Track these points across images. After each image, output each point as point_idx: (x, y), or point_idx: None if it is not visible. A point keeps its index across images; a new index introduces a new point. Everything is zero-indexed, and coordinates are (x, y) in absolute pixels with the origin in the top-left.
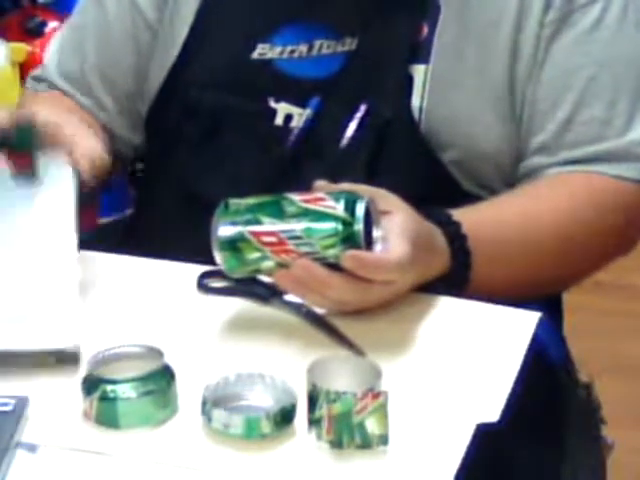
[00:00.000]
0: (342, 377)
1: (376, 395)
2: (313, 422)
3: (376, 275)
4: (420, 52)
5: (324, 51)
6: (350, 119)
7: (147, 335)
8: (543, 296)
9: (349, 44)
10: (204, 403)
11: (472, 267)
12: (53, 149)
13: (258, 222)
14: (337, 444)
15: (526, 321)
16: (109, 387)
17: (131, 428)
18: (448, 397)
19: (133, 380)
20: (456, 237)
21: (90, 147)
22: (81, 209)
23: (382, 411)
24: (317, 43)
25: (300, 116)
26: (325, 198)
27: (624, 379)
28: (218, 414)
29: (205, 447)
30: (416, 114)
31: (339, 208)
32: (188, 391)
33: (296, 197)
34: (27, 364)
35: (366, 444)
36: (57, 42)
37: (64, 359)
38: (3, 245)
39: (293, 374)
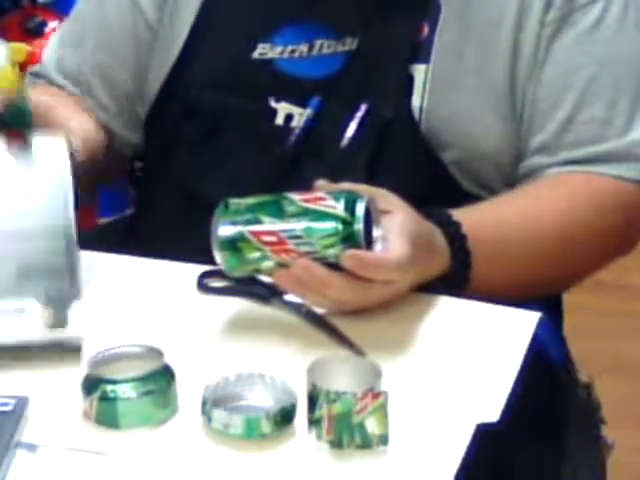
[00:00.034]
0: (342, 377)
1: (376, 395)
2: (313, 422)
3: (376, 275)
4: (420, 52)
5: (325, 51)
6: (350, 119)
7: (147, 335)
8: (543, 296)
9: (350, 44)
10: (204, 403)
11: (472, 267)
12: (46, 128)
13: (258, 222)
14: (337, 444)
15: (526, 321)
16: (109, 387)
17: (131, 428)
18: (448, 397)
19: (133, 380)
20: (456, 237)
21: (83, 126)
22: (81, 208)
23: (382, 411)
24: (318, 43)
25: (300, 116)
26: (325, 198)
27: (624, 379)
28: (218, 414)
29: (205, 447)
30: (416, 114)
31: (339, 208)
32: (188, 391)
33: (296, 197)
34: (28, 358)
35: (366, 444)
36: (57, 39)
37: (66, 351)
38: None
39: (293, 374)
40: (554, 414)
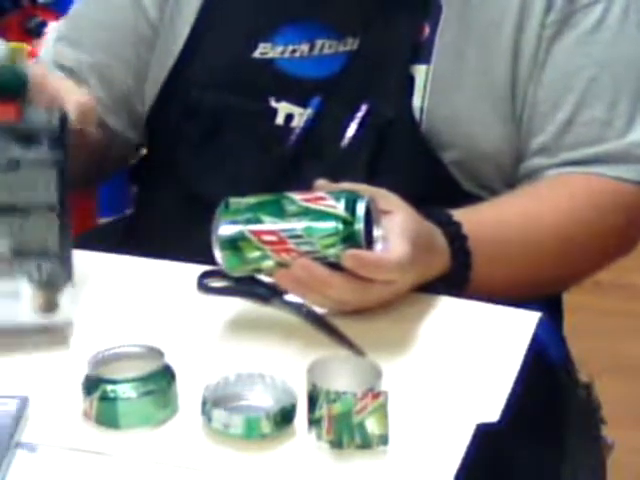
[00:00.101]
0: (342, 377)
1: (376, 395)
2: (313, 422)
3: (376, 275)
4: (421, 52)
5: (325, 51)
6: (351, 119)
7: (147, 335)
8: (543, 296)
9: (350, 44)
10: (204, 403)
11: (472, 267)
12: (40, 98)
13: (259, 221)
14: (337, 444)
15: (526, 321)
16: (109, 387)
17: (131, 428)
18: (448, 397)
19: (133, 380)
20: (456, 237)
21: (77, 96)
22: (81, 207)
23: (382, 411)
24: (318, 43)
25: (301, 116)
26: (326, 197)
27: (624, 379)
28: (218, 414)
29: (205, 447)
30: (417, 114)
31: (340, 207)
32: (188, 391)
33: (297, 196)
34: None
35: (366, 444)
36: (54, 36)
37: (55, 335)
38: None
39: (293, 374)
40: (554, 414)
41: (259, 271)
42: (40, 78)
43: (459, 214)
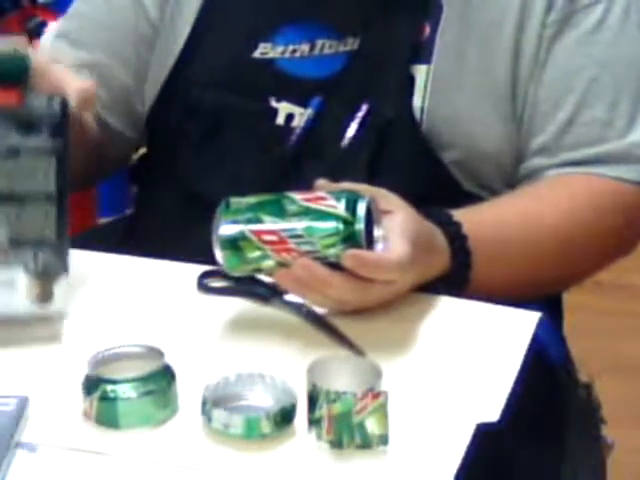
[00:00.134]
0: (342, 377)
1: (376, 395)
2: (313, 422)
3: (377, 275)
4: (422, 52)
5: (326, 51)
6: (351, 119)
7: (147, 335)
8: (543, 296)
9: (351, 44)
10: (204, 403)
11: (472, 267)
12: (41, 84)
13: (259, 221)
14: (337, 444)
15: (526, 321)
16: (109, 387)
17: (131, 428)
18: (448, 397)
19: (133, 380)
20: (456, 237)
21: (78, 82)
22: (80, 208)
23: (382, 411)
24: (319, 43)
25: (301, 116)
26: (326, 197)
27: (624, 379)
28: (218, 414)
29: (205, 447)
30: (417, 114)
31: (340, 207)
32: (188, 391)
33: (297, 196)
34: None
35: (366, 444)
36: (52, 34)
37: (50, 325)
38: None
39: (293, 374)
40: (554, 414)
41: (259, 271)
42: (42, 65)
43: (459, 214)
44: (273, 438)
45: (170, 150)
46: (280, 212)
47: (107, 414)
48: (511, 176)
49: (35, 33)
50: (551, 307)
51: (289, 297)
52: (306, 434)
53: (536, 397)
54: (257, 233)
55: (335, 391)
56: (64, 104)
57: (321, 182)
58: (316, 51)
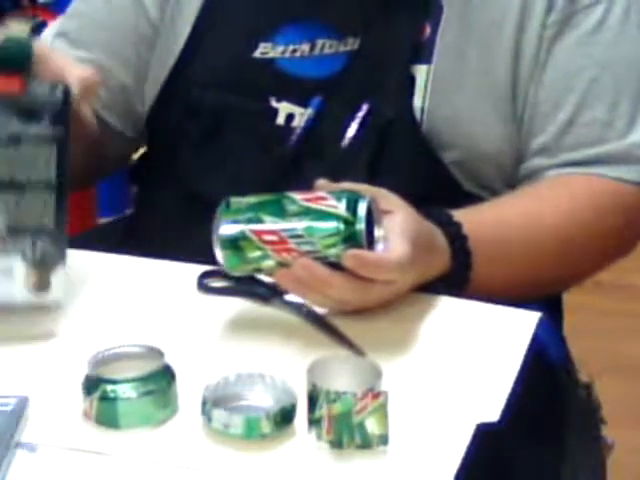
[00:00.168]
0: (342, 377)
1: (376, 395)
2: (313, 422)
3: (377, 275)
4: (422, 52)
5: (326, 51)
6: (352, 119)
7: (147, 335)
8: (543, 296)
9: (351, 44)
10: (204, 403)
11: (472, 267)
12: (44, 72)
13: (259, 221)
14: (337, 444)
15: (526, 321)
16: (109, 387)
17: (131, 428)
18: (448, 397)
19: (133, 380)
20: (457, 237)
21: (80, 70)
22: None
23: (382, 411)
24: (319, 43)
25: (301, 116)
26: (327, 197)
27: (624, 379)
28: (218, 414)
29: (205, 447)
30: (418, 114)
31: (341, 207)
32: (188, 391)
33: (297, 196)
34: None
35: (366, 444)
36: (51, 32)
37: (44, 315)
38: None
39: (293, 374)
40: (554, 414)
41: (260, 271)
42: (44, 53)
43: (459, 214)
44: (273, 438)
45: (170, 150)
46: (280, 212)
47: (107, 414)
48: (511, 176)
49: (35, 33)
50: (551, 307)
51: (289, 297)
52: (306, 434)
53: (536, 397)
54: (257, 233)
55: (335, 391)
56: (66, 92)
57: (321, 182)
58: (316, 51)
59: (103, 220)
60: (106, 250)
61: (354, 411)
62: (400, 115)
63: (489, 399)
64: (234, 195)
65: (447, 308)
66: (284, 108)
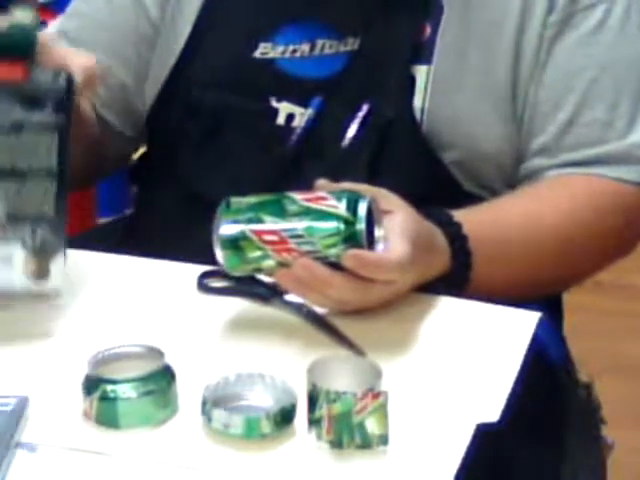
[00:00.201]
0: (342, 377)
1: (376, 395)
2: (313, 422)
3: (377, 275)
4: (422, 52)
5: (326, 51)
6: (352, 119)
7: (147, 335)
8: (543, 296)
9: (351, 44)
10: (204, 403)
11: (472, 267)
12: (47, 60)
13: (260, 221)
14: (337, 444)
15: (526, 321)
16: (109, 387)
17: (131, 428)
18: (448, 397)
19: (133, 380)
20: (457, 237)
21: (84, 59)
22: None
23: (382, 411)
24: (319, 43)
25: (302, 116)
26: (327, 197)
27: (624, 379)
28: (218, 414)
29: (205, 447)
30: (418, 114)
31: (341, 207)
32: (188, 391)
33: (298, 196)
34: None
35: (366, 444)
36: (53, 27)
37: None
38: None
39: (293, 374)
40: (554, 414)
41: (260, 271)
42: (47, 41)
43: (459, 214)
44: (273, 438)
45: (170, 150)
46: (281, 212)
47: (107, 414)
48: (511, 176)
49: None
50: (551, 307)
51: (289, 297)
52: (306, 434)
53: (536, 397)
54: (258, 233)
55: (335, 391)
56: (70, 80)
57: (321, 182)
58: (316, 51)
59: (103, 220)
60: (106, 250)
61: (354, 411)
62: (400, 115)
63: (489, 399)
64: (234, 195)
65: (447, 308)
66: (284, 108)
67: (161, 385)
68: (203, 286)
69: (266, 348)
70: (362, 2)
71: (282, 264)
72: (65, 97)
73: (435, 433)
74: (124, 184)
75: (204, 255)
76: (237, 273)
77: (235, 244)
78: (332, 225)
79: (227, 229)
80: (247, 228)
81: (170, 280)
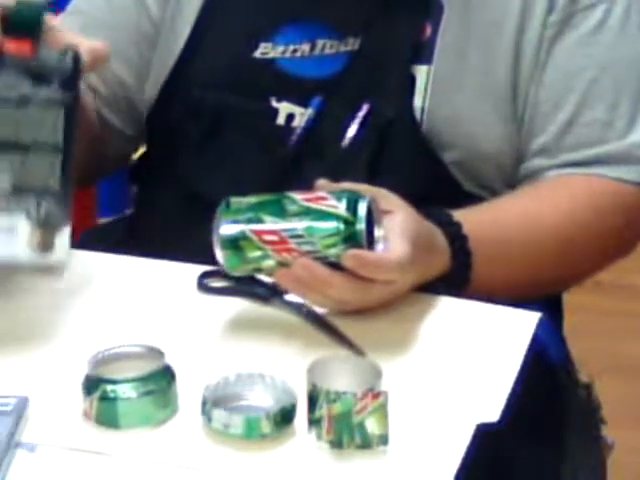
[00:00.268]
0: (342, 377)
1: (376, 395)
2: (313, 422)
3: (377, 275)
4: (423, 52)
5: (327, 51)
6: (352, 119)
7: (147, 335)
8: (543, 296)
9: (352, 44)
10: (204, 403)
11: (472, 267)
12: (54, 41)
13: (260, 221)
14: (337, 444)
15: (526, 321)
16: (109, 387)
17: (131, 428)
18: (448, 397)
19: (133, 380)
20: (457, 237)
21: (91, 42)
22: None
23: (382, 411)
24: (320, 43)
25: (302, 116)
26: (327, 197)
27: (624, 379)
28: (218, 414)
29: (205, 447)
30: (418, 114)
31: (341, 207)
32: (188, 391)
33: (298, 196)
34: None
35: (366, 444)
36: None
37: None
38: None
39: (293, 374)
40: (554, 414)
41: (260, 271)
42: (54, 24)
43: (459, 214)
44: (273, 438)
45: (170, 150)
46: (281, 212)
47: (107, 414)
48: (511, 176)
49: None
50: (551, 307)
51: (289, 297)
52: (306, 434)
53: (536, 397)
54: (258, 233)
55: (335, 391)
56: (76, 58)
57: (321, 182)
58: (317, 51)
59: (103, 220)
60: (106, 250)
61: (354, 411)
62: (400, 115)
63: (489, 399)
64: (234, 195)
65: (447, 308)
66: (284, 108)
67: (161, 385)
68: (203, 286)
69: (266, 348)
70: (362, 2)
71: (282, 264)
72: (72, 75)
73: (435, 433)
74: (124, 184)
75: (204, 255)
76: (237, 273)
77: (235, 244)
78: (332, 225)
79: (227, 229)
80: (247, 228)
81: (170, 280)
